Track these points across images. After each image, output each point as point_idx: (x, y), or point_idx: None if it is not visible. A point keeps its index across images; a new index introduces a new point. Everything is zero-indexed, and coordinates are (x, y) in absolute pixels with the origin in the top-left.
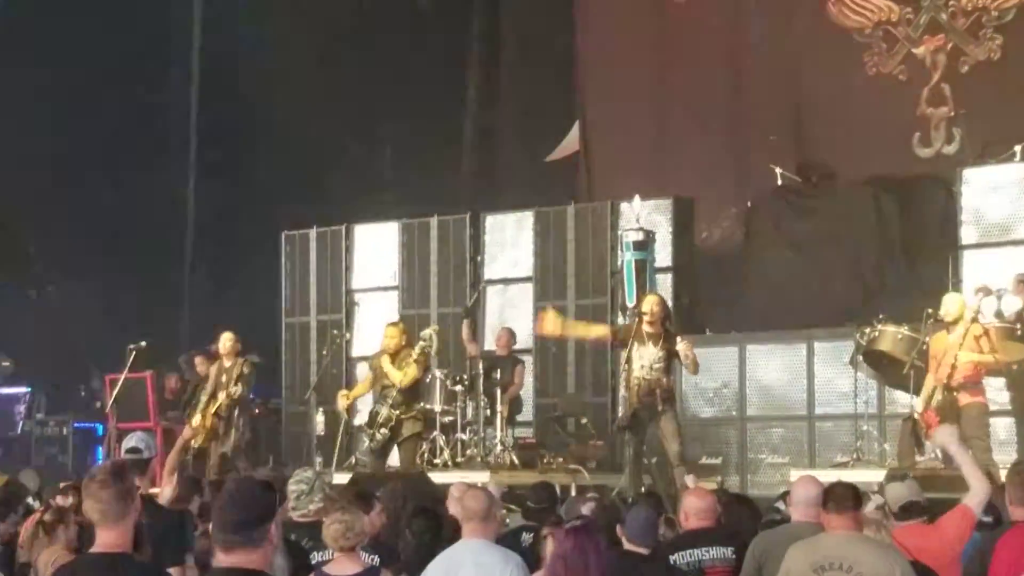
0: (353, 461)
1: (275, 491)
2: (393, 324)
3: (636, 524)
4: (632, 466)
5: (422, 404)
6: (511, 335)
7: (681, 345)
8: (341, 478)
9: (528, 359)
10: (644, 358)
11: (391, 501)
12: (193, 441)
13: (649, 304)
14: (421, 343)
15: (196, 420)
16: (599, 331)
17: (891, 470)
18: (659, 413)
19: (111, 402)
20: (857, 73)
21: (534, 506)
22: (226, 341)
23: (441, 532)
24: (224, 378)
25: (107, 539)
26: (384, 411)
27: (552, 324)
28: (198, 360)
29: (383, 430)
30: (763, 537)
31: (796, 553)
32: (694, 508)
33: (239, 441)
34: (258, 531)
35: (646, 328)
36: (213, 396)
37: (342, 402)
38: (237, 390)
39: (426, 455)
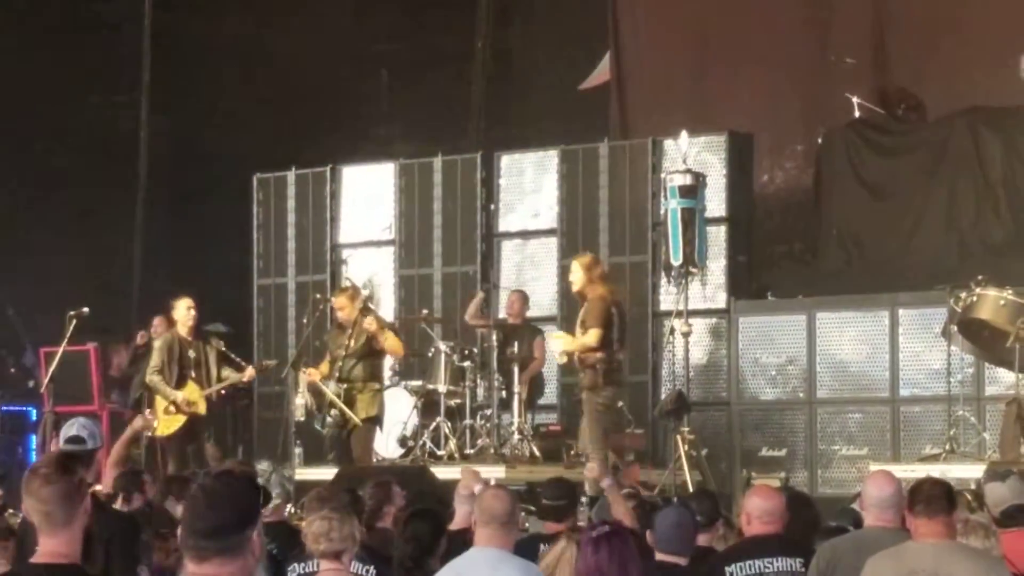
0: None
1: (259, 490)
2: (341, 290)
3: (664, 528)
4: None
5: (397, 380)
6: (523, 300)
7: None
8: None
9: (551, 328)
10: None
11: (372, 496)
12: (154, 429)
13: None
14: (363, 296)
15: (180, 397)
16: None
17: (991, 465)
18: None
19: (47, 381)
20: None
21: (550, 503)
22: (187, 309)
23: (441, 537)
24: (195, 354)
25: (51, 547)
26: (331, 386)
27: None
28: (157, 322)
29: (333, 411)
30: (830, 546)
31: (878, 565)
32: (758, 510)
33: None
34: (238, 537)
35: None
36: (184, 375)
37: (306, 378)
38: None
39: (427, 445)
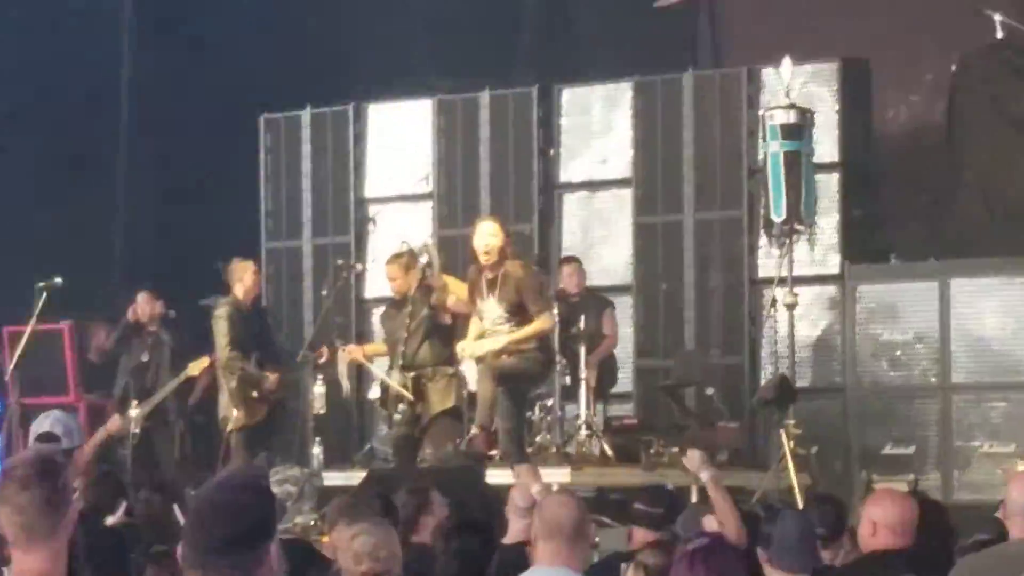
0: (369, 450)
1: (273, 497)
2: (395, 256)
3: (785, 541)
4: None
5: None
6: (579, 271)
7: None
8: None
9: (625, 300)
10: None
11: (407, 505)
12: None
13: (483, 235)
14: (421, 265)
15: (271, 380)
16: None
17: None
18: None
19: (11, 366)
20: None
21: (646, 509)
22: (254, 274)
23: (492, 554)
24: (259, 330)
25: (28, 564)
26: (395, 376)
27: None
28: (141, 298)
29: (401, 406)
30: (967, 564)
31: None
32: (886, 519)
33: None
34: (253, 552)
35: (486, 275)
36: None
37: (346, 357)
38: None
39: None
